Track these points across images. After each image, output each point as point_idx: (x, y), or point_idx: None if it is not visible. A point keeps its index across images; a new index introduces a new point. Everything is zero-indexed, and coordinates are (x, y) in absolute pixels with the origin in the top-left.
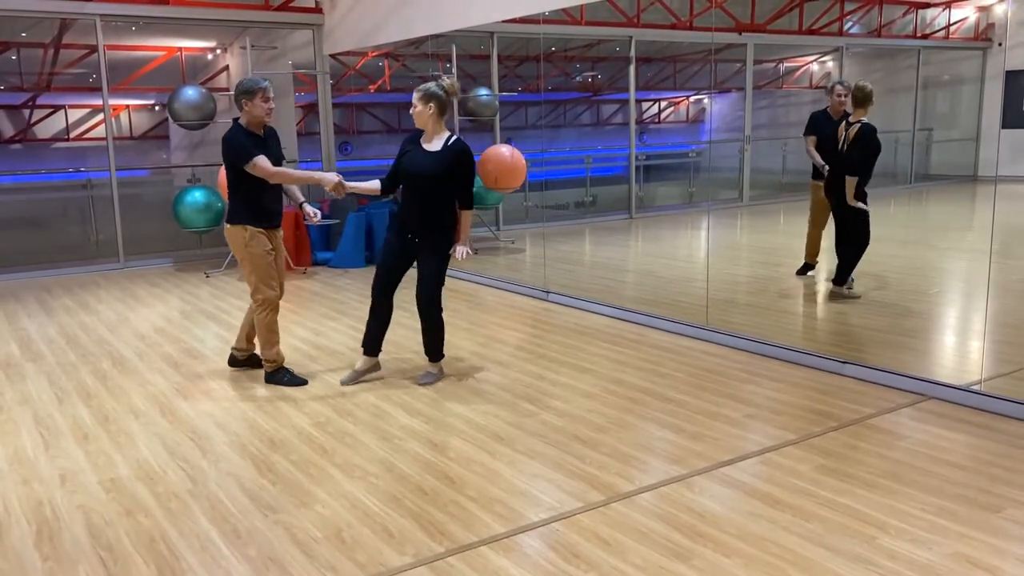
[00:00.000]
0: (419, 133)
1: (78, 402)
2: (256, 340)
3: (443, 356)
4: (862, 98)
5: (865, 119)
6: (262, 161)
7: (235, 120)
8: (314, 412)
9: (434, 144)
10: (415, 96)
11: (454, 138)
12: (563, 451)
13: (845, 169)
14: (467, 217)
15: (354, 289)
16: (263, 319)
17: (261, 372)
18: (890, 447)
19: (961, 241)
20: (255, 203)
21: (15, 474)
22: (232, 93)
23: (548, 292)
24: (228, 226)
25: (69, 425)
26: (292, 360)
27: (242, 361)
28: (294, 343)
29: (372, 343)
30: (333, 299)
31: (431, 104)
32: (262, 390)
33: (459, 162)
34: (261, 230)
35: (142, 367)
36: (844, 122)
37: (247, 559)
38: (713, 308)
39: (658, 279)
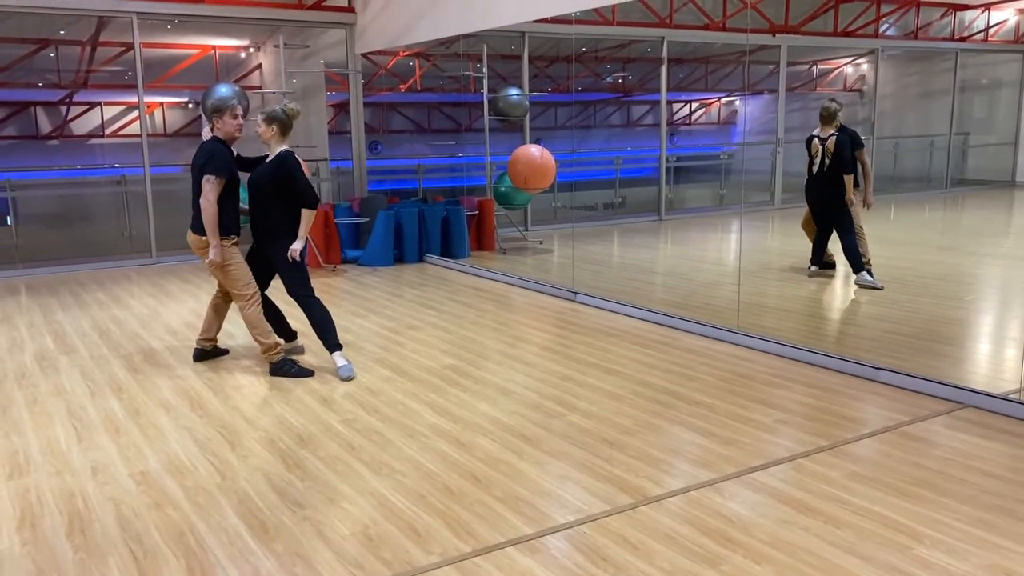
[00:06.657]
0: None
1: (110, 395)
2: (217, 331)
3: (339, 346)
4: (828, 116)
5: (831, 132)
6: (215, 185)
7: (213, 135)
8: (342, 409)
9: (269, 157)
10: (260, 118)
11: (282, 149)
12: (590, 453)
13: (836, 174)
14: (306, 216)
15: (382, 287)
16: (254, 312)
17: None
18: (925, 455)
19: (998, 247)
20: (230, 213)
21: (48, 465)
22: (262, 91)
23: (576, 293)
24: (203, 238)
25: (101, 418)
26: (321, 357)
27: (209, 352)
28: None
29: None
30: (362, 297)
31: (273, 126)
32: (291, 386)
33: (278, 167)
34: (234, 239)
35: (173, 361)
36: (816, 139)
37: (274, 554)
38: (744, 311)
39: (688, 281)
